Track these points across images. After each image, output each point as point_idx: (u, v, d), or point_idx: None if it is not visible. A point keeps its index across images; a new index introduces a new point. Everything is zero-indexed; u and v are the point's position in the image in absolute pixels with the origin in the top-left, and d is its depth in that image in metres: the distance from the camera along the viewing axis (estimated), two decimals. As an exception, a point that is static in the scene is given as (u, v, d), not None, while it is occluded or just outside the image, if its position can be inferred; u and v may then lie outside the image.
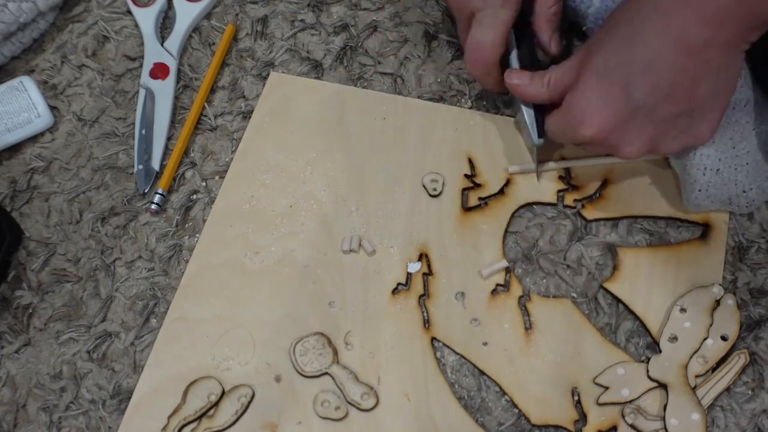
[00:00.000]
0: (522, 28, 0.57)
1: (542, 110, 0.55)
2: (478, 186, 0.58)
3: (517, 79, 0.54)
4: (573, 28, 0.62)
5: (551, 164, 0.57)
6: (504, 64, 0.56)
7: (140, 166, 0.61)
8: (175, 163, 0.61)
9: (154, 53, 0.66)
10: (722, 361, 0.51)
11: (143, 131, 0.62)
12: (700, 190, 0.52)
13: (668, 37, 0.45)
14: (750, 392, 0.50)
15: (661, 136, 0.48)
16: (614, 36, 0.48)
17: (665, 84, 0.46)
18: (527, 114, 0.55)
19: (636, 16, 0.47)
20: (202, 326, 0.55)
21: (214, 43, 0.67)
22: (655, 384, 0.50)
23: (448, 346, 0.53)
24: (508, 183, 0.58)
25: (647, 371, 0.51)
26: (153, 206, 0.59)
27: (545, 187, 0.57)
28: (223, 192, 0.60)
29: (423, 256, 0.56)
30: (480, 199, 0.57)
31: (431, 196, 0.58)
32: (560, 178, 0.58)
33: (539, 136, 0.55)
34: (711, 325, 0.51)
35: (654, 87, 0.46)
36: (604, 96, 0.47)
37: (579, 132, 0.49)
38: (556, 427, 0.50)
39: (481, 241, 0.56)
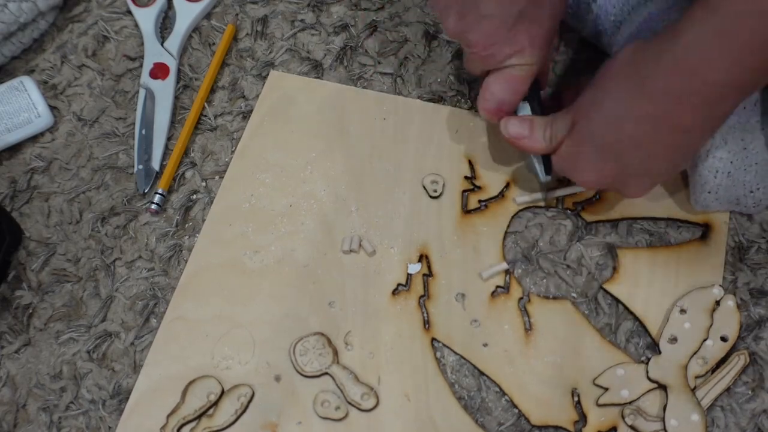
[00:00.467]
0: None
1: None
2: (478, 188, 0.58)
3: (517, 130, 0.53)
4: (570, 31, 0.62)
5: (559, 192, 0.57)
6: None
7: (140, 166, 0.61)
8: (175, 163, 0.61)
9: (154, 53, 0.66)
10: (722, 361, 0.51)
11: (143, 131, 0.62)
12: (709, 192, 0.52)
13: (643, 88, 0.45)
14: (750, 392, 0.50)
15: (615, 178, 0.49)
16: (620, 71, 0.47)
17: (632, 142, 0.47)
18: (534, 154, 0.55)
19: (639, 54, 0.46)
20: (201, 326, 0.55)
21: (214, 43, 0.67)
22: (654, 385, 0.50)
23: (448, 347, 0.53)
24: (508, 186, 0.58)
25: (647, 372, 0.51)
26: (153, 206, 0.59)
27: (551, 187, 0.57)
28: (223, 191, 0.60)
29: (423, 257, 0.56)
30: (480, 201, 0.57)
31: (431, 197, 0.58)
32: (560, 180, 0.58)
33: (546, 173, 0.55)
34: (711, 325, 0.51)
35: (618, 140, 0.47)
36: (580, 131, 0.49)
37: (576, 180, 0.51)
38: (556, 427, 0.50)
39: (481, 243, 0.56)
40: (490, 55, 0.52)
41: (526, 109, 0.55)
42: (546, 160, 0.54)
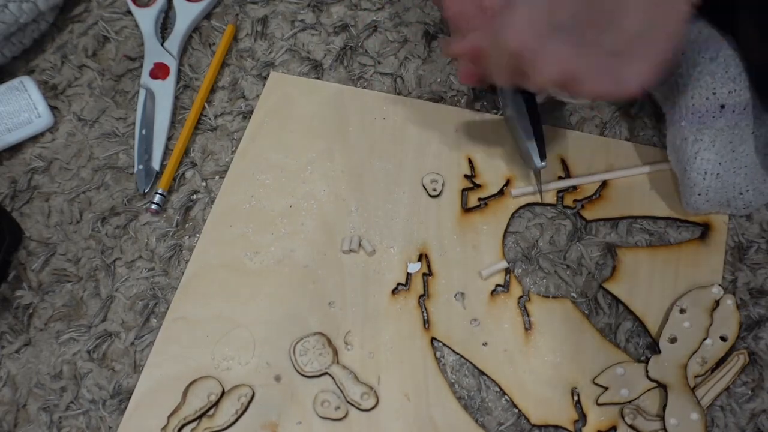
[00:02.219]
0: None
1: (541, 132, 0.55)
2: (477, 186, 0.58)
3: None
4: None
5: (552, 185, 0.57)
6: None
7: (140, 166, 0.61)
8: (175, 163, 0.61)
9: (154, 53, 0.66)
10: (722, 361, 0.51)
11: (143, 131, 0.62)
12: (699, 194, 0.52)
13: None
14: (750, 392, 0.50)
15: (582, 65, 0.44)
16: None
17: (585, 3, 0.43)
18: (527, 138, 0.55)
19: None
20: (202, 326, 0.55)
21: (214, 43, 0.67)
22: (654, 384, 0.50)
23: (447, 346, 0.53)
24: (507, 184, 0.58)
25: (646, 371, 0.51)
26: (153, 206, 0.59)
27: (549, 184, 0.57)
28: (223, 192, 0.60)
29: (423, 257, 0.56)
30: (480, 199, 0.57)
31: (431, 196, 0.58)
32: (560, 178, 0.58)
33: (541, 160, 0.55)
34: (710, 325, 0.51)
35: (573, 2, 0.43)
36: (527, 7, 0.45)
37: (500, 40, 0.46)
38: (556, 427, 0.50)
39: (480, 242, 0.56)
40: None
41: (530, 141, 0.55)
42: (540, 145, 0.55)
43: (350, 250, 0.56)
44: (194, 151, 0.62)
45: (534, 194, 0.57)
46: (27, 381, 0.55)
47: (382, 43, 0.65)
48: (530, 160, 0.56)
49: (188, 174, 0.61)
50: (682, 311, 0.52)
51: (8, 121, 0.62)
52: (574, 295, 0.54)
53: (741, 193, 0.52)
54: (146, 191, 0.61)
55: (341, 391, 0.52)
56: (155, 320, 0.56)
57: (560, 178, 0.58)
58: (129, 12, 0.69)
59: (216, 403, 0.52)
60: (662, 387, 0.50)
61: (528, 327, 0.53)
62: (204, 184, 0.61)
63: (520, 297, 0.54)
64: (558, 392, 0.51)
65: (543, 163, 0.55)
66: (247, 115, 0.63)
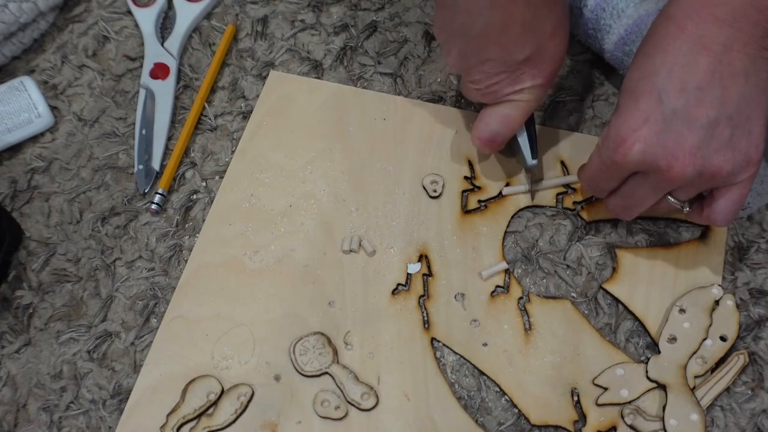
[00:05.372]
0: None
1: (534, 130, 0.55)
2: (477, 189, 0.58)
3: (587, 173, 0.51)
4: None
5: (544, 183, 0.57)
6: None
7: (140, 166, 0.61)
8: (175, 163, 0.61)
9: (154, 53, 0.66)
10: (721, 361, 0.51)
11: (143, 131, 0.62)
12: None
13: (685, 40, 0.44)
14: (750, 392, 0.50)
15: (705, 147, 0.44)
16: (637, 57, 0.47)
17: (693, 86, 0.44)
18: (519, 136, 0.55)
19: (651, 31, 0.47)
20: (201, 325, 0.55)
21: (214, 43, 0.67)
22: (654, 384, 0.50)
23: (447, 347, 0.53)
24: (507, 186, 0.58)
25: (646, 372, 0.51)
26: (153, 206, 0.59)
27: (545, 191, 0.57)
28: (223, 191, 0.60)
29: (423, 257, 0.56)
30: (479, 202, 0.57)
31: (431, 197, 0.58)
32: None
33: (533, 157, 0.55)
34: (710, 325, 0.51)
35: (682, 89, 0.44)
36: (635, 109, 0.45)
37: (616, 155, 0.46)
38: (556, 427, 0.50)
39: (480, 243, 0.56)
40: (491, 93, 0.51)
41: (522, 138, 0.55)
42: (532, 143, 0.54)
43: (350, 250, 0.56)
44: (194, 151, 0.62)
45: (526, 193, 0.57)
46: (27, 381, 0.55)
47: (382, 43, 0.65)
48: (522, 158, 0.56)
49: (188, 174, 0.61)
50: (681, 311, 0.52)
51: (8, 121, 0.63)
52: (574, 295, 0.54)
53: None
54: (146, 191, 0.61)
55: (341, 390, 0.52)
56: (155, 320, 0.56)
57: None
58: (129, 12, 0.69)
59: (215, 402, 0.52)
60: (662, 387, 0.50)
61: (528, 327, 0.53)
62: (204, 184, 0.61)
63: (520, 297, 0.54)
64: (558, 392, 0.51)
65: (534, 161, 0.55)
66: (247, 115, 0.63)
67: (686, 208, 0.49)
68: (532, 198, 0.57)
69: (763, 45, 0.44)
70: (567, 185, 0.57)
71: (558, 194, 0.57)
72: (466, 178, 0.58)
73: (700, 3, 0.45)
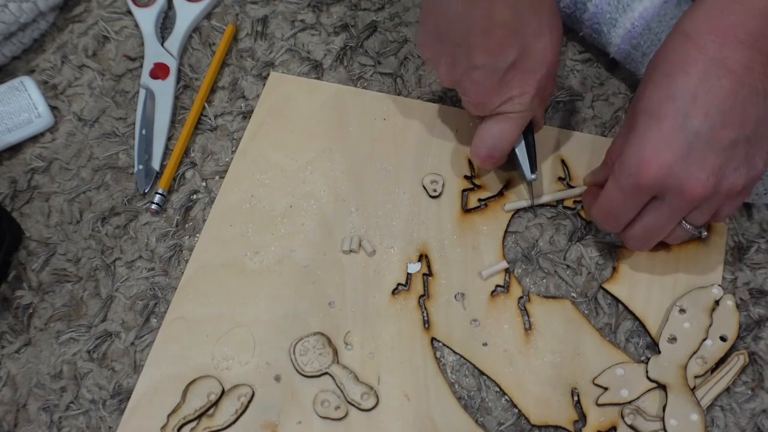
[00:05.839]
0: None
1: (533, 144, 0.55)
2: (477, 187, 0.58)
3: (590, 198, 0.52)
4: (570, 31, 0.62)
5: (545, 197, 0.57)
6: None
7: (140, 166, 0.61)
8: (175, 163, 0.61)
9: (154, 53, 0.66)
10: (721, 361, 0.51)
11: (143, 131, 0.62)
12: None
13: (707, 62, 0.44)
14: (750, 392, 0.50)
15: (725, 167, 0.45)
16: (653, 76, 0.47)
17: (717, 109, 0.44)
18: (518, 149, 0.55)
19: (668, 50, 0.46)
20: (201, 326, 0.55)
21: (214, 43, 0.67)
22: (654, 385, 0.50)
23: (447, 347, 0.53)
24: (507, 185, 0.58)
25: (646, 372, 0.51)
26: (153, 206, 0.59)
27: (544, 189, 0.57)
28: (223, 192, 0.60)
29: (423, 257, 0.56)
30: (480, 200, 0.57)
31: (431, 196, 0.58)
32: (560, 179, 0.58)
33: (532, 171, 0.54)
34: (710, 325, 0.51)
35: (707, 114, 0.44)
36: (658, 132, 0.45)
37: (639, 178, 0.46)
38: (556, 427, 0.50)
39: (480, 243, 0.56)
40: (481, 103, 0.51)
41: (520, 151, 0.55)
42: (531, 156, 0.54)
43: (350, 251, 0.56)
44: (194, 151, 0.62)
45: (528, 207, 0.57)
46: (27, 381, 0.55)
47: (382, 43, 0.65)
48: (521, 174, 0.55)
49: (188, 174, 0.61)
50: (682, 311, 0.52)
51: (8, 121, 0.63)
52: (574, 295, 0.54)
53: (760, 178, 0.52)
54: (146, 191, 0.61)
55: (341, 391, 0.52)
56: (155, 320, 0.56)
57: (560, 179, 0.58)
58: (129, 12, 0.69)
59: (216, 403, 0.52)
60: (662, 387, 0.50)
61: (528, 327, 0.53)
62: (204, 184, 0.61)
63: (520, 297, 0.54)
64: (558, 392, 0.51)
65: (533, 176, 0.54)
66: (247, 115, 0.63)
67: (704, 233, 0.51)
68: (534, 211, 0.57)
69: None
70: (568, 185, 0.57)
71: (558, 191, 0.57)
72: (466, 177, 0.58)
73: (718, 23, 0.44)
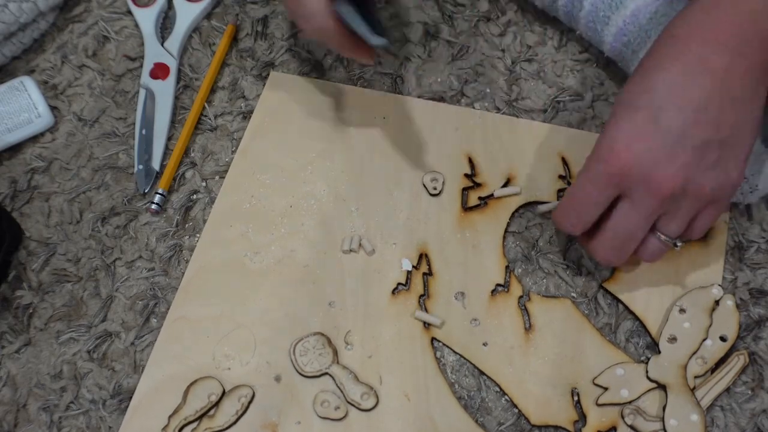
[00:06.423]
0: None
1: (373, 10, 0.50)
2: (478, 185, 0.58)
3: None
4: (570, 31, 0.62)
5: (549, 205, 0.57)
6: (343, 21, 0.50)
7: (140, 166, 0.61)
8: (175, 163, 0.61)
9: (154, 53, 0.66)
10: (722, 361, 0.51)
11: (143, 131, 0.62)
12: None
13: (688, 60, 0.44)
14: (750, 392, 0.50)
15: (695, 166, 0.45)
16: (637, 71, 0.47)
17: (691, 107, 0.44)
18: (349, 19, 0.48)
19: (655, 48, 0.47)
20: (202, 326, 0.55)
21: (214, 43, 0.67)
22: (654, 385, 0.50)
23: (447, 346, 0.53)
24: (507, 183, 0.58)
25: (646, 372, 0.51)
26: (153, 206, 0.59)
27: (545, 188, 0.57)
28: (223, 192, 0.60)
29: (423, 256, 0.56)
30: (480, 198, 0.57)
31: (431, 195, 0.58)
32: (560, 177, 0.58)
33: (378, 35, 0.48)
34: (710, 325, 0.51)
35: (681, 109, 0.44)
36: (630, 122, 0.45)
37: (607, 167, 0.46)
38: (556, 427, 0.50)
39: (481, 241, 0.56)
40: None
41: (353, 20, 0.49)
42: (372, 21, 0.48)
43: (350, 250, 0.56)
44: (194, 151, 0.62)
45: (518, 194, 0.57)
46: (27, 381, 0.55)
47: (382, 43, 0.65)
48: (365, 40, 0.49)
49: (188, 174, 0.61)
50: (682, 311, 0.52)
51: (8, 121, 0.62)
52: (574, 295, 0.54)
53: (745, 177, 0.52)
54: (146, 191, 0.61)
55: (341, 391, 0.52)
56: (155, 320, 0.56)
57: (561, 177, 0.58)
58: (129, 12, 0.69)
59: (216, 404, 0.52)
60: (662, 387, 0.50)
61: (528, 327, 0.53)
62: (204, 184, 0.61)
63: (520, 297, 0.54)
64: (558, 392, 0.51)
65: (382, 40, 0.48)
66: (247, 115, 0.63)
67: (679, 245, 0.49)
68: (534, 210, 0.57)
69: (765, 73, 0.45)
70: (568, 183, 0.57)
71: (558, 191, 0.57)
72: (466, 175, 0.58)
73: (705, 26, 0.45)
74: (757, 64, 0.44)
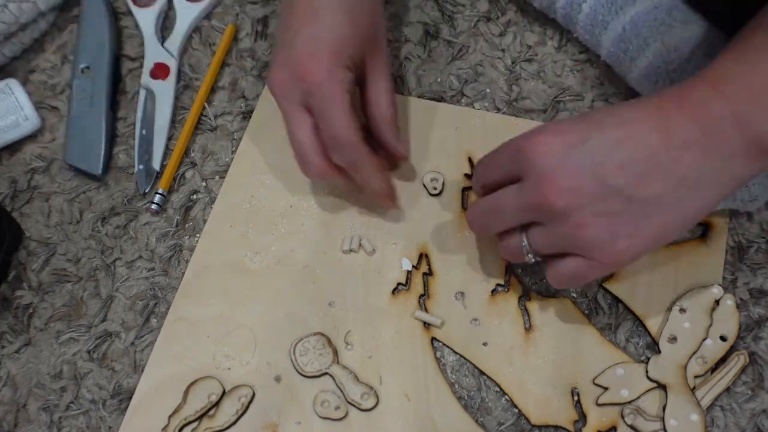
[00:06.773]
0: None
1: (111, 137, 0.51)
2: (478, 186, 0.58)
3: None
4: (569, 32, 0.62)
5: None
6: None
7: (140, 166, 0.61)
8: (176, 163, 0.61)
9: (154, 53, 0.66)
10: (722, 361, 0.51)
11: (144, 131, 0.62)
12: None
13: (654, 114, 0.42)
14: (750, 392, 0.50)
15: (590, 199, 0.42)
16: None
17: (628, 151, 0.42)
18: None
19: (655, 93, 0.45)
20: (202, 326, 0.55)
21: (214, 44, 0.67)
22: (654, 384, 0.50)
23: (448, 346, 0.53)
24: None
25: (646, 372, 0.51)
26: (153, 206, 0.59)
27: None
28: (223, 192, 0.60)
29: (423, 256, 0.56)
30: (480, 199, 0.57)
31: (431, 195, 0.58)
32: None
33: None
34: (710, 325, 0.51)
35: (617, 145, 0.42)
36: (568, 122, 0.44)
37: (516, 143, 0.45)
38: (556, 427, 0.50)
39: (481, 241, 0.56)
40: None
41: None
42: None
43: (350, 250, 0.56)
44: (194, 151, 0.62)
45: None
46: (27, 381, 0.55)
47: (382, 43, 0.65)
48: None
49: (188, 174, 0.61)
50: (682, 311, 0.52)
51: (-5, 124, 0.62)
52: (574, 295, 0.54)
53: (746, 186, 0.52)
54: (146, 191, 0.61)
55: (341, 391, 0.52)
56: (155, 320, 0.56)
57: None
58: (129, 12, 0.69)
59: (216, 404, 0.52)
60: (662, 387, 0.50)
61: (528, 327, 0.53)
62: (204, 184, 0.61)
63: (521, 297, 0.54)
64: (558, 392, 0.51)
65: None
66: (247, 115, 0.63)
67: (531, 258, 0.47)
68: None
69: (726, 163, 0.42)
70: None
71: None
72: (466, 175, 0.58)
73: (690, 97, 0.42)
74: (718, 151, 0.41)
